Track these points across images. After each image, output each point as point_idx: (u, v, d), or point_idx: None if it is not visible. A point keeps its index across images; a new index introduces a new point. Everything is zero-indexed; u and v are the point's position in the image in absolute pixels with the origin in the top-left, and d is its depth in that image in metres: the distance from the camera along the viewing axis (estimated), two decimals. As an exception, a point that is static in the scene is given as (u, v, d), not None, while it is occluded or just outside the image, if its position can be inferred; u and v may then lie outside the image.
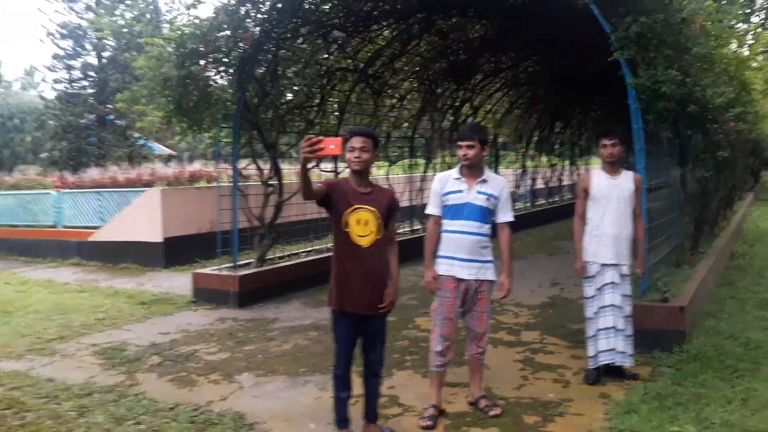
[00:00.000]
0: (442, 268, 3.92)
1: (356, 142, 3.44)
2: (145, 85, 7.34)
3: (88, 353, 5.51)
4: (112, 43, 23.28)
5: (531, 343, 5.57)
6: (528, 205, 16.62)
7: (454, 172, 3.98)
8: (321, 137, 3.10)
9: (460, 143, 3.93)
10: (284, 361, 5.23)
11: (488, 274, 3.92)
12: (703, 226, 7.99)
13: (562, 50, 10.67)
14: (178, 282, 8.76)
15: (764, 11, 48.91)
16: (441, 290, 3.90)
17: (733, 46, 13.06)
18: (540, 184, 17.74)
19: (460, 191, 3.88)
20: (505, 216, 3.96)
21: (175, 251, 10.23)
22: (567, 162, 20.20)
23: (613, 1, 5.12)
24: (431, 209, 4.01)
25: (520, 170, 16.42)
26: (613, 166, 4.55)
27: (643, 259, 4.81)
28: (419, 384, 4.56)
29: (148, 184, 12.13)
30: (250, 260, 8.01)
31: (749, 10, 45.48)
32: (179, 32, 6.93)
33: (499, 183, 3.98)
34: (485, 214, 3.88)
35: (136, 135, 24.04)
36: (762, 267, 8.56)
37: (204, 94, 7.50)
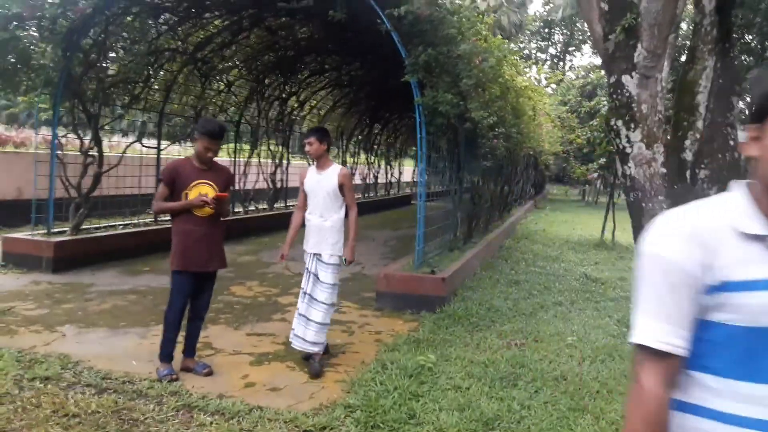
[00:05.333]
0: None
1: (212, 144, 4.18)
2: (-42, 42, 7.11)
3: None
4: None
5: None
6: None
7: None
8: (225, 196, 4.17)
9: None
10: (104, 317, 5.68)
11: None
12: (476, 221, 9.77)
13: (377, 60, 11.97)
14: (-21, 248, 8.44)
15: (560, 45, 55.86)
16: None
17: (531, 74, 15.60)
18: (357, 180, 19.22)
19: None
20: None
21: (-26, 217, 9.73)
22: (383, 161, 22.10)
23: (410, 32, 6.36)
24: None
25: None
26: (319, 162, 4.70)
27: (353, 246, 4.74)
28: (230, 335, 5.39)
29: (-58, 145, 11.22)
30: (64, 229, 8.08)
31: (544, 43, 51.71)
32: (4, -6, 6.87)
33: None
34: None
35: None
36: (519, 258, 10.62)
37: (24, 57, 7.46)
